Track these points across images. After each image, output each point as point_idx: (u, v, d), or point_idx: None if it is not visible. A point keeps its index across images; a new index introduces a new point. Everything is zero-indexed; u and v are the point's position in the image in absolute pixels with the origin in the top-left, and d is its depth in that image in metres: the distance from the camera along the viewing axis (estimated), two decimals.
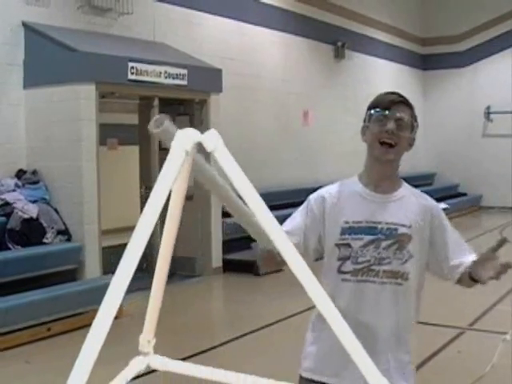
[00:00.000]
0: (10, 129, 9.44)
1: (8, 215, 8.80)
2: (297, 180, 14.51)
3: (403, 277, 2.89)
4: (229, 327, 8.61)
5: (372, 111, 2.94)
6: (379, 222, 2.91)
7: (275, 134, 14.93)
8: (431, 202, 3.12)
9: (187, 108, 11.39)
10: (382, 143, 2.90)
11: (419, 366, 6.51)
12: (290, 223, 3.06)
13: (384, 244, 2.87)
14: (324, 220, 2.99)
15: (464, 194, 21.84)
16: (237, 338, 7.72)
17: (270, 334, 8.06)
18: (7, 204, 8.86)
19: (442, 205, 19.70)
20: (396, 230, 2.90)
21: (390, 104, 2.92)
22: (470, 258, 2.99)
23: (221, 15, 13.38)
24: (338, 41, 17.58)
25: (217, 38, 13.30)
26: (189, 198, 12.30)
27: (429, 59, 22.77)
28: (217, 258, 11.46)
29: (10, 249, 8.66)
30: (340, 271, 2.94)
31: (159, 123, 1.77)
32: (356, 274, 2.92)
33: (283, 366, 6.96)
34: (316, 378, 3.01)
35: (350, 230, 2.91)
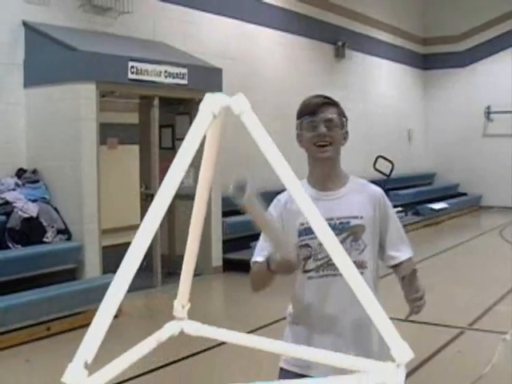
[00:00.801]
0: (10, 128, 9.44)
1: (8, 214, 8.80)
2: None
3: (362, 266, 3.01)
4: (228, 326, 8.59)
5: (302, 119, 3.14)
6: (331, 219, 3.00)
7: (276, 134, 14.83)
8: (378, 190, 3.24)
9: (187, 107, 11.38)
10: (318, 146, 3.08)
11: (419, 366, 6.51)
12: (259, 245, 3.24)
13: (340, 238, 2.89)
14: (283, 225, 3.14)
15: (464, 194, 21.85)
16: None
17: (269, 334, 8.03)
18: (7, 203, 8.86)
19: (442, 204, 19.68)
20: (348, 222, 3.05)
21: (315, 108, 3.09)
22: (406, 254, 3.18)
23: (221, 14, 13.38)
24: (339, 40, 17.57)
25: (217, 37, 13.30)
26: (189, 197, 12.27)
27: (429, 59, 22.77)
28: (217, 257, 11.46)
29: (9, 248, 8.66)
30: (304, 270, 3.11)
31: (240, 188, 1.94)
32: (318, 269, 3.07)
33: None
34: (292, 369, 3.19)
35: (306, 231, 3.00)
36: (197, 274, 11.24)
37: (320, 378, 1.79)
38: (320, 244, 2.73)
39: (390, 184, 15.88)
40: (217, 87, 11.34)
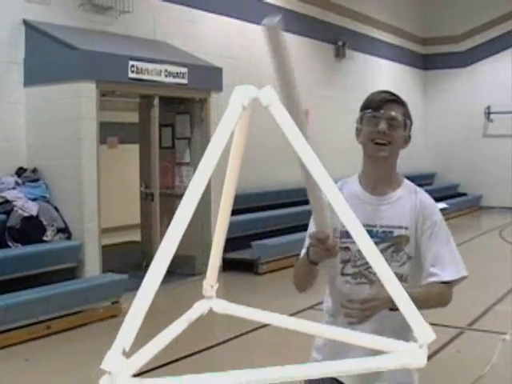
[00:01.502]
0: (10, 127, 9.44)
1: (8, 213, 8.80)
2: (297, 179, 14.46)
3: (402, 279, 2.78)
4: (229, 326, 8.61)
5: (364, 112, 2.92)
6: (374, 226, 2.89)
7: (276, 134, 14.86)
8: (428, 203, 3.00)
9: (187, 106, 11.39)
10: (376, 143, 2.88)
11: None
12: (307, 235, 3.02)
13: (380, 247, 2.74)
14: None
15: (464, 194, 21.84)
16: (236, 337, 7.72)
17: (271, 333, 8.06)
18: (7, 202, 8.86)
19: (442, 204, 19.75)
20: (391, 232, 2.88)
21: (380, 104, 2.88)
22: (449, 274, 2.89)
23: (222, 14, 13.38)
24: (339, 40, 17.57)
25: (217, 36, 13.29)
26: None
27: (429, 59, 22.77)
28: None
29: (9, 247, 8.66)
30: (342, 273, 2.98)
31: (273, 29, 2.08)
32: (356, 276, 2.95)
33: (285, 364, 6.96)
34: (318, 357, 3.15)
35: (348, 234, 2.79)
36: (197, 273, 11.33)
37: (348, 359, 1.75)
38: (359, 251, 2.61)
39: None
40: (217, 86, 11.35)
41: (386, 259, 2.55)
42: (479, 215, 20.87)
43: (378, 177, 2.96)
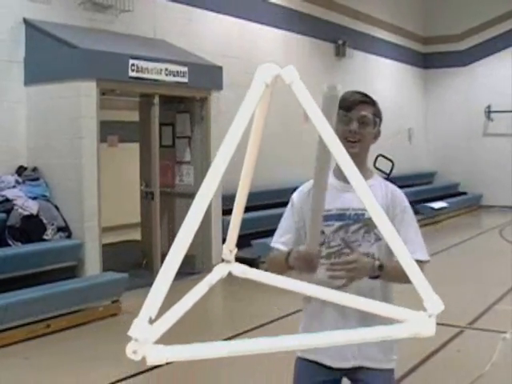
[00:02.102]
0: (10, 126, 9.45)
1: (8, 212, 8.80)
2: (297, 178, 14.47)
3: (371, 257, 3.10)
4: (229, 324, 8.61)
5: (338, 112, 3.01)
6: (347, 209, 3.19)
7: (275, 132, 14.92)
8: (398, 193, 3.35)
9: (188, 105, 11.39)
10: (348, 141, 3.15)
11: (419, 365, 6.51)
12: (280, 227, 3.41)
13: (352, 228, 3.17)
14: (303, 216, 3.25)
15: (464, 193, 21.83)
16: (236, 336, 7.72)
17: (271, 331, 8.05)
18: (7, 201, 8.87)
19: (441, 203, 19.71)
20: (363, 214, 3.13)
21: (352, 105, 3.17)
22: (416, 255, 3.05)
23: (222, 13, 13.38)
24: (339, 39, 17.56)
25: (218, 35, 13.30)
26: (189, 195, 12.22)
27: (430, 58, 22.75)
28: (217, 255, 11.45)
29: (10, 245, 8.67)
30: None
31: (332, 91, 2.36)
32: (329, 257, 3.19)
33: (284, 364, 6.96)
34: (304, 355, 3.41)
35: (325, 218, 3.06)
36: (197, 272, 11.33)
37: (358, 329, 1.83)
38: (333, 232, 3.18)
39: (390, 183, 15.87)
40: (217, 85, 11.36)
41: (358, 239, 3.14)
42: (479, 214, 20.87)
43: None
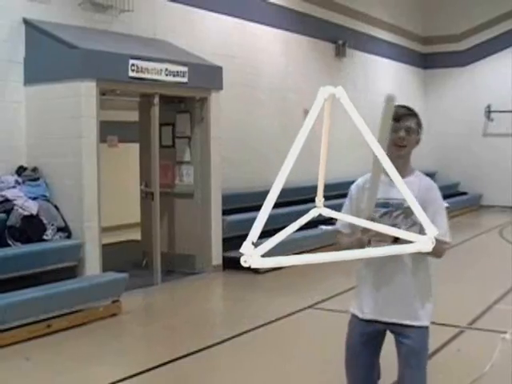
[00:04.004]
0: (10, 126, 9.45)
1: (8, 212, 8.80)
2: (297, 177, 14.47)
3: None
4: (228, 325, 8.61)
5: None
6: (390, 199, 3.99)
7: (276, 132, 14.93)
8: (429, 183, 4.16)
9: (188, 105, 11.39)
10: (396, 145, 4.00)
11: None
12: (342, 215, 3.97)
13: (395, 214, 4.01)
14: (358, 201, 4.13)
15: (464, 193, 21.84)
16: (236, 336, 7.72)
17: (270, 332, 8.06)
18: (7, 201, 8.86)
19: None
20: (402, 204, 3.90)
21: (400, 117, 3.99)
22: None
23: (222, 13, 13.39)
24: (339, 39, 17.57)
25: (218, 35, 13.30)
26: (189, 195, 12.20)
27: (429, 58, 22.77)
28: (217, 255, 11.46)
29: (10, 245, 8.67)
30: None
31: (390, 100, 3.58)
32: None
33: (283, 363, 6.96)
34: (355, 312, 4.21)
35: (379, 204, 3.93)
36: (197, 272, 11.33)
37: (378, 248, 2.86)
38: (380, 217, 3.98)
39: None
40: (217, 85, 11.35)
41: (398, 223, 3.96)
42: (479, 214, 20.88)
43: (396, 167, 3.59)
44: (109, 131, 13.44)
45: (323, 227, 13.51)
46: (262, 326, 8.18)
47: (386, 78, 20.62)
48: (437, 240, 3.52)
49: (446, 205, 4.20)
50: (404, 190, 2.74)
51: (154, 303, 10.04)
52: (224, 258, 11.60)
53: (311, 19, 16.31)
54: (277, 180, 2.72)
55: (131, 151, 13.17)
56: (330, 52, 17.49)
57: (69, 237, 9.22)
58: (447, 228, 4.03)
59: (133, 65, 9.72)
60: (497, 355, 6.73)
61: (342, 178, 14.87)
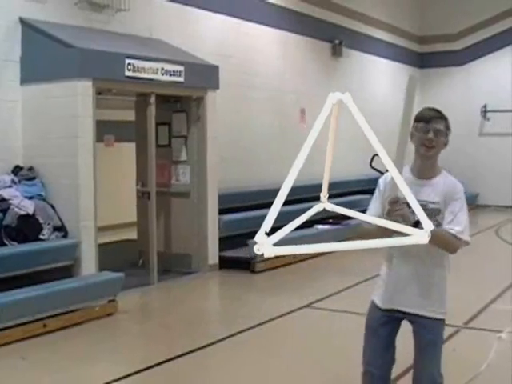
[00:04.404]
0: (6, 125, 9.43)
1: (4, 211, 8.79)
2: (295, 177, 14.45)
3: None
4: (224, 324, 8.61)
5: (418, 123, 4.23)
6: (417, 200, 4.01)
7: (272, 131, 14.94)
8: (454, 186, 4.32)
9: (184, 105, 11.38)
10: (425, 146, 4.20)
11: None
12: (369, 208, 4.48)
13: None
14: (385, 191, 4.30)
15: None
16: (232, 336, 7.72)
17: (265, 332, 8.06)
18: (3, 200, 8.85)
19: None
20: (426, 205, 4.04)
21: (429, 119, 4.20)
22: (458, 231, 4.18)
23: (218, 12, 13.38)
24: (336, 38, 17.57)
25: (214, 35, 13.29)
26: (185, 195, 12.18)
27: (426, 57, 22.79)
28: (213, 254, 11.46)
29: (6, 245, 8.66)
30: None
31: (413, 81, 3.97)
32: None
33: (279, 362, 6.97)
34: (375, 301, 4.46)
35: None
36: (193, 271, 11.33)
37: (383, 239, 3.00)
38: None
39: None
40: (213, 84, 11.35)
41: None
42: (476, 213, 20.87)
43: (424, 167, 4.31)
44: (105, 130, 13.43)
45: (319, 227, 13.54)
46: (258, 325, 8.19)
47: (383, 78, 20.64)
48: (454, 236, 4.15)
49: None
50: (404, 188, 3.03)
51: (151, 302, 10.04)
52: (220, 258, 11.61)
53: (308, 19, 16.31)
54: (288, 176, 2.92)
55: (128, 151, 13.16)
56: (327, 52, 17.49)
57: (65, 236, 9.21)
58: (467, 226, 4.21)
59: (129, 64, 9.72)
60: (493, 355, 6.75)
61: (341, 177, 14.93)
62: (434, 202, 4.22)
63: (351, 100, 3.03)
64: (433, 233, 3.57)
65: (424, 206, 3.90)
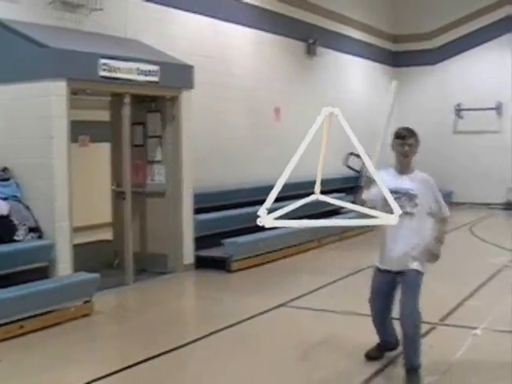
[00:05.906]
0: None
1: None
2: (268, 176, 14.48)
3: (412, 214, 6.00)
4: (201, 324, 8.61)
5: (396, 139, 6.11)
6: (399, 187, 5.98)
7: (247, 130, 14.95)
8: (427, 178, 6.21)
9: (159, 105, 11.37)
10: (402, 155, 6.10)
11: (391, 362, 6.56)
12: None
13: (402, 198, 5.92)
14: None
15: None
16: (209, 335, 7.72)
17: (242, 330, 8.07)
18: None
19: None
20: (407, 191, 6.00)
21: (404, 137, 6.10)
22: (444, 213, 6.32)
23: (193, 12, 13.37)
24: (310, 38, 17.62)
25: (190, 34, 13.28)
26: (160, 195, 12.12)
27: (400, 56, 22.90)
28: (188, 254, 11.45)
29: None
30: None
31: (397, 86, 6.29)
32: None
33: (257, 360, 6.98)
34: (377, 265, 6.33)
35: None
36: (168, 271, 11.30)
37: (352, 220, 4.43)
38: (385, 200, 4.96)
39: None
40: (188, 84, 11.34)
41: (405, 205, 5.88)
42: (450, 211, 20.92)
43: (403, 167, 6.14)
44: (80, 131, 13.37)
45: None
46: (235, 324, 8.20)
47: (357, 76, 20.73)
48: (443, 219, 6.31)
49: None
50: (379, 181, 4.42)
51: (126, 303, 10.01)
52: (196, 257, 11.60)
53: (282, 18, 16.34)
54: (287, 167, 3.97)
55: (102, 151, 13.12)
56: (301, 50, 17.53)
57: (40, 237, 9.17)
58: (445, 204, 6.26)
59: (104, 64, 9.68)
60: (463, 351, 6.82)
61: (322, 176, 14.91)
62: (412, 189, 6.01)
63: (340, 113, 3.94)
64: (438, 240, 6.29)
65: (406, 192, 6.00)
